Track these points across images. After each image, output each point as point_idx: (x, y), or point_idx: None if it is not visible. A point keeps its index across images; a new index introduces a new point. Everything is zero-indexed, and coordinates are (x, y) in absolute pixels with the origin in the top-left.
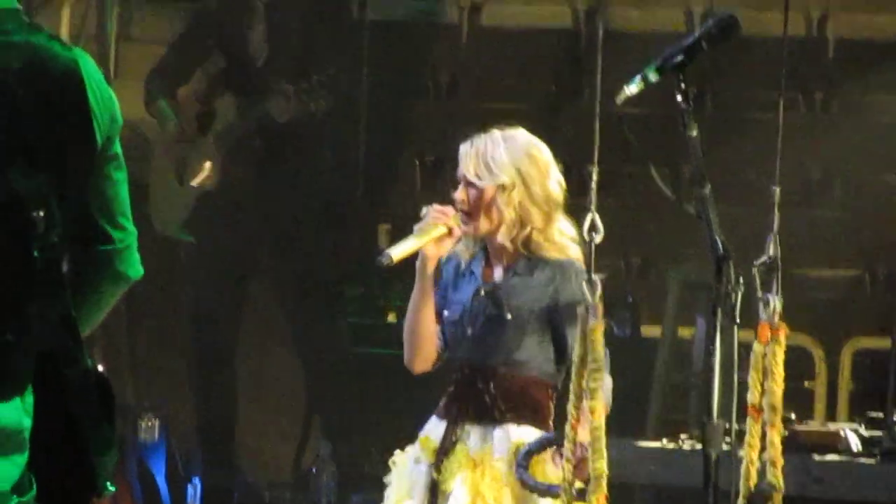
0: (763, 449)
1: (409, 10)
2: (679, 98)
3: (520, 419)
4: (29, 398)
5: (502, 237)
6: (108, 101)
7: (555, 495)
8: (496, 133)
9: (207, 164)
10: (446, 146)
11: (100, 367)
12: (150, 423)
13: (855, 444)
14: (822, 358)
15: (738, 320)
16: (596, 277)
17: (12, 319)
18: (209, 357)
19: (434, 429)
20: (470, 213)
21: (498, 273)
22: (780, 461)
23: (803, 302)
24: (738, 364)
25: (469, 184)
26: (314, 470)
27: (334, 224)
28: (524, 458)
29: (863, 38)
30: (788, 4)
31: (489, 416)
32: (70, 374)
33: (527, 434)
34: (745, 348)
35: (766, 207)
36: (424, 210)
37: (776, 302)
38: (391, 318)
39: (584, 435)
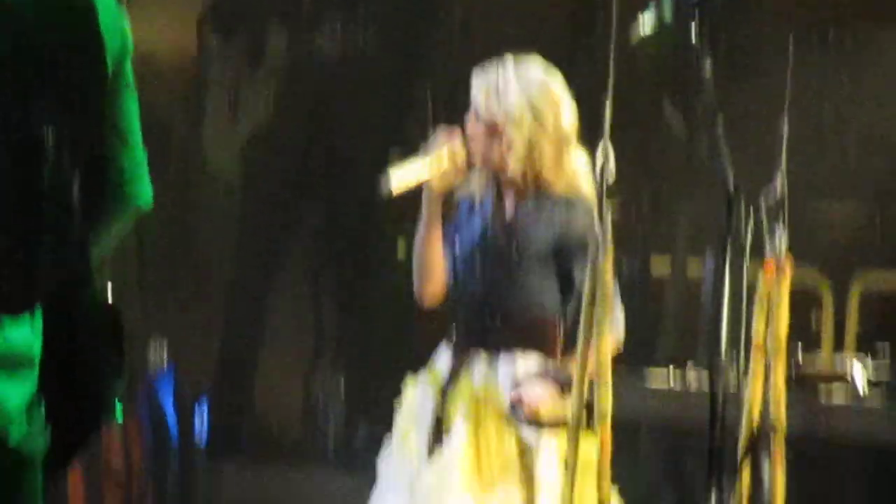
0: (767, 385)
1: None
2: (693, 36)
3: (526, 350)
4: (38, 321)
5: (512, 172)
6: (119, 25)
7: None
8: (509, 63)
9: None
10: (459, 75)
11: (109, 294)
12: (158, 351)
13: (861, 381)
14: (829, 293)
15: (746, 255)
16: (607, 212)
17: (23, 239)
18: (221, 285)
19: (442, 360)
20: (480, 147)
21: (509, 209)
22: (784, 398)
23: (812, 237)
24: (747, 300)
25: (479, 116)
26: (322, 399)
27: (351, 154)
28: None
29: None
30: None
31: (495, 350)
32: (80, 299)
33: (533, 365)
34: (755, 284)
35: (776, 143)
36: (435, 134)
37: (782, 238)
38: (401, 246)
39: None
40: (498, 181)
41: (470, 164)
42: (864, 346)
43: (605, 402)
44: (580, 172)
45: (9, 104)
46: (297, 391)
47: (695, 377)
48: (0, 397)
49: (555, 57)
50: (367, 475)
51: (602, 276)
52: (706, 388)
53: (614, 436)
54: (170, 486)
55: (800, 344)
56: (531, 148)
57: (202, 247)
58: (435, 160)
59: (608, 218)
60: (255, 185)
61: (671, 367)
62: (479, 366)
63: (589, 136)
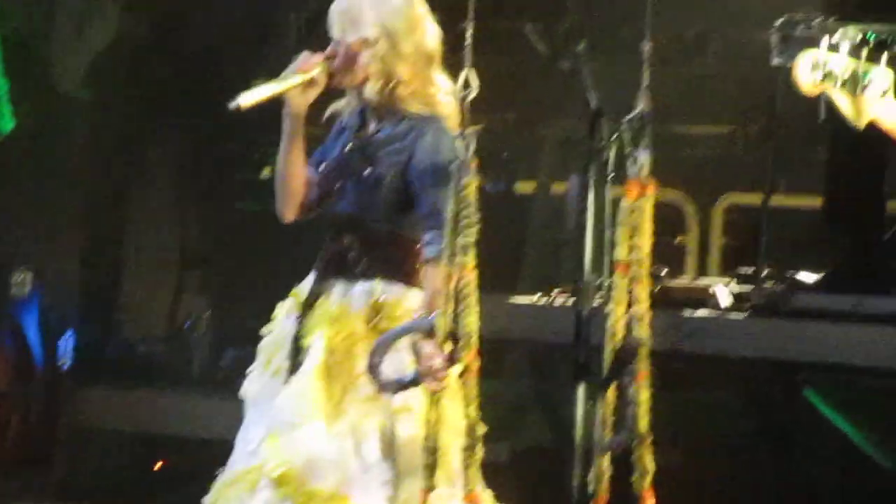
0: (630, 304)
1: None
2: None
3: (384, 274)
4: None
5: (368, 91)
6: None
7: (415, 383)
8: None
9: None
10: (323, 2)
11: None
12: (22, 277)
13: (725, 300)
14: (694, 214)
15: (609, 176)
16: (469, 133)
17: None
18: (84, 212)
19: (306, 283)
20: (337, 67)
21: (371, 128)
22: (647, 316)
23: (676, 158)
24: (610, 220)
25: (336, 39)
26: (188, 324)
27: (213, 82)
28: (379, 352)
29: None
30: None
31: (353, 271)
32: None
33: (390, 290)
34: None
35: (640, 63)
36: (297, 58)
37: (645, 158)
38: (267, 172)
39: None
40: (363, 103)
41: (335, 85)
42: (730, 266)
43: (471, 327)
44: (441, 93)
45: None
46: (163, 315)
47: (561, 300)
48: None
49: None
50: (232, 398)
51: (465, 198)
52: (571, 304)
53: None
54: (35, 411)
55: (665, 269)
56: (386, 69)
57: (63, 171)
58: (290, 78)
59: (471, 140)
60: (108, 104)
61: (537, 295)
62: (337, 290)
63: (452, 58)
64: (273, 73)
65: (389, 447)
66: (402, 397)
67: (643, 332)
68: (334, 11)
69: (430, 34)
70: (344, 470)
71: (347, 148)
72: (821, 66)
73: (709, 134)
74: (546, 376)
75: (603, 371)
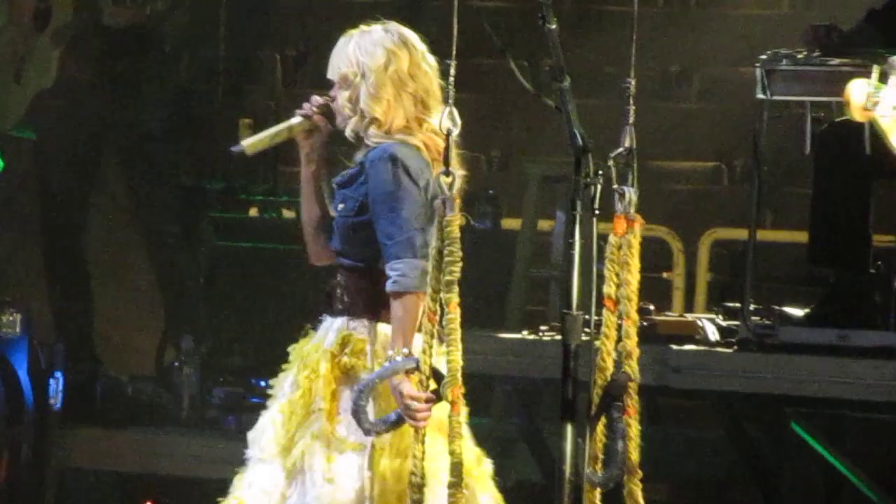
0: (619, 339)
1: None
2: None
3: (354, 310)
4: None
5: (347, 130)
6: None
7: (399, 423)
8: (357, 29)
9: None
10: (307, 40)
11: None
12: (11, 318)
13: (712, 334)
14: (680, 249)
15: (596, 212)
16: (453, 169)
17: None
18: (63, 251)
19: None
20: (329, 107)
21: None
22: (636, 351)
23: (662, 194)
24: (597, 256)
25: (329, 79)
26: (176, 364)
27: (195, 119)
28: (363, 395)
29: None
30: None
31: (335, 307)
32: None
33: (356, 326)
34: (606, 241)
35: (624, 100)
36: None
37: (632, 194)
38: (253, 212)
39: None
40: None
41: (336, 126)
42: (716, 301)
43: (455, 363)
44: (422, 131)
45: None
46: (151, 355)
47: (549, 336)
48: None
49: (402, 17)
50: (221, 438)
51: (449, 235)
52: (559, 340)
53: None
54: (24, 451)
55: (651, 307)
56: (356, 107)
57: (38, 213)
58: (285, 126)
59: (457, 176)
60: (51, 143)
61: (524, 332)
62: (322, 326)
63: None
64: (258, 111)
65: (332, 484)
66: (356, 435)
67: (633, 367)
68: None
69: (410, 70)
70: None
71: (332, 187)
72: (871, 95)
73: (694, 169)
74: (534, 412)
75: (591, 406)
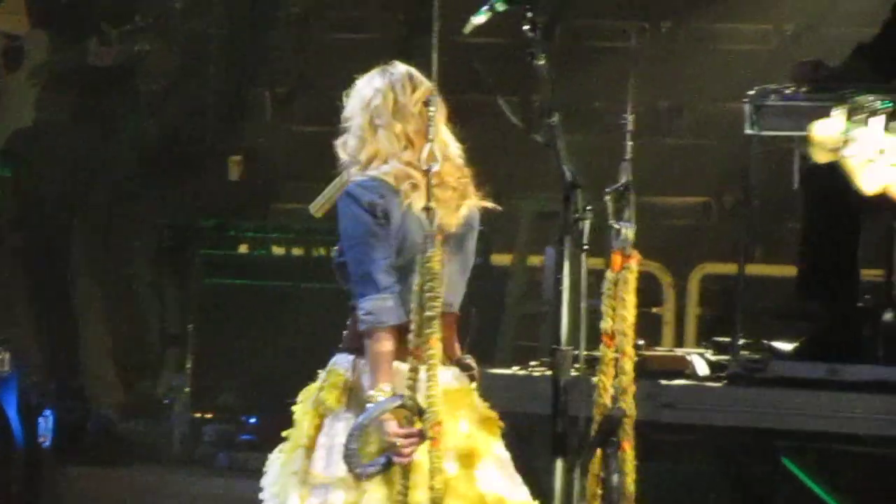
0: (615, 375)
1: None
2: (527, 27)
3: (345, 347)
4: None
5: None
6: None
7: (388, 465)
8: (370, 73)
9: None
10: (298, 77)
11: None
12: (1, 357)
13: (702, 369)
14: (670, 284)
15: (585, 248)
16: (432, 205)
17: None
18: (50, 289)
19: None
20: None
21: None
22: (632, 387)
23: (652, 229)
24: (587, 291)
25: None
26: (168, 401)
27: (185, 156)
28: (354, 439)
29: None
30: None
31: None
32: None
33: (339, 361)
34: (596, 276)
35: (616, 136)
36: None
37: (628, 229)
38: (243, 248)
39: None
40: None
41: None
42: (706, 335)
43: (434, 398)
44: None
45: None
46: (142, 392)
47: (539, 372)
48: None
49: (391, 54)
50: (211, 475)
51: (429, 270)
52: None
53: None
54: (15, 489)
55: (641, 341)
56: (346, 148)
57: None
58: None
59: (435, 213)
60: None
61: (514, 367)
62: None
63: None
64: (249, 148)
65: None
66: (330, 470)
67: (629, 403)
68: None
69: (395, 109)
70: None
71: None
72: (835, 135)
73: (683, 205)
74: (524, 448)
75: (588, 441)
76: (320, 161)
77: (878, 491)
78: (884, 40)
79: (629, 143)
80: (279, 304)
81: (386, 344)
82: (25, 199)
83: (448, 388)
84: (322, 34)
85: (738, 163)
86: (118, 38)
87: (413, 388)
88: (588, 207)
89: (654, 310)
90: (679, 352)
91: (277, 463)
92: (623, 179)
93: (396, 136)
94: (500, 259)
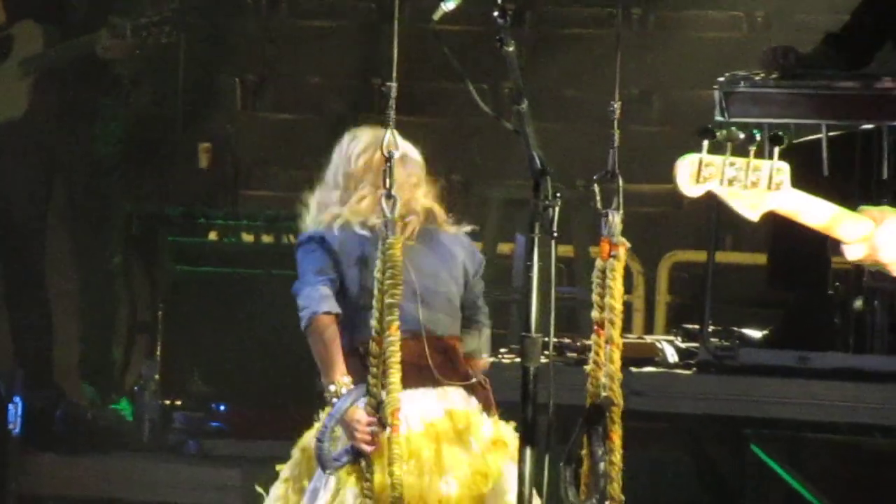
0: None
1: None
2: (496, 14)
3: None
4: None
5: None
6: None
7: (354, 454)
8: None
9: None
10: (266, 65)
11: None
12: None
13: (671, 357)
14: (639, 272)
15: (555, 235)
16: (394, 193)
17: None
18: (19, 277)
19: None
20: None
21: None
22: (619, 375)
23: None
24: (556, 279)
25: None
26: (137, 389)
27: (154, 144)
28: (323, 441)
29: None
30: None
31: None
32: None
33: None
34: (564, 263)
35: (586, 123)
36: None
37: (616, 217)
38: (213, 236)
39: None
40: None
41: None
42: (675, 323)
43: (394, 386)
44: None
45: None
46: (112, 380)
47: (508, 359)
48: None
49: (359, 41)
50: (182, 462)
51: (390, 257)
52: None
53: None
54: None
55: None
56: None
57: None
58: None
59: (396, 198)
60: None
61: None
62: None
63: (400, 118)
64: (217, 136)
65: None
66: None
67: (616, 391)
68: None
69: (350, 155)
70: None
71: None
72: (705, 168)
73: (653, 192)
74: None
75: (577, 429)
76: (290, 149)
77: (847, 479)
78: (853, 28)
79: (616, 132)
80: (249, 292)
81: (328, 332)
82: (2, 185)
83: (454, 409)
84: (292, 21)
85: (709, 150)
86: (133, 31)
87: (376, 377)
88: (557, 195)
89: (624, 297)
90: (649, 339)
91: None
92: (610, 165)
93: (339, 188)
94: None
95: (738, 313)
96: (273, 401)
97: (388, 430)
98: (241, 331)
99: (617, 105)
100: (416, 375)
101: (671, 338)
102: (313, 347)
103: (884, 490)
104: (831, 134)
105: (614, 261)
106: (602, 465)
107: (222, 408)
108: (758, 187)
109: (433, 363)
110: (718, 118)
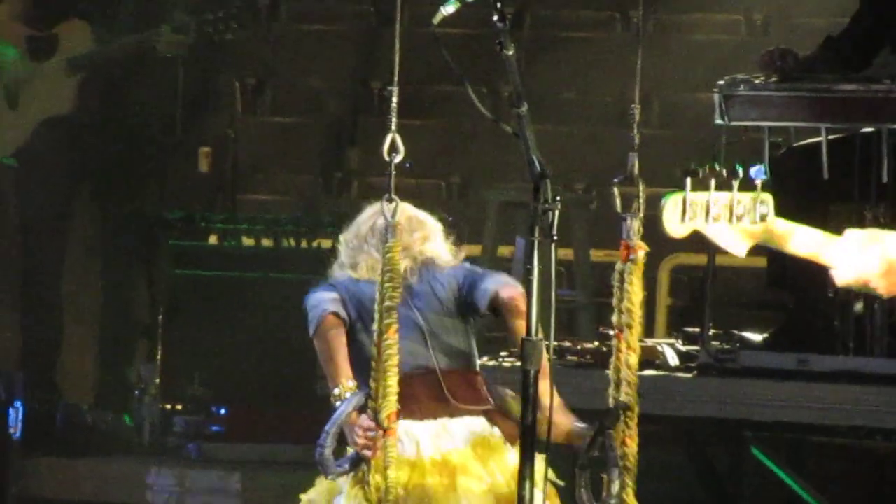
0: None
1: None
2: (495, 17)
3: None
4: None
5: None
6: None
7: (357, 460)
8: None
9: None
10: (266, 69)
11: None
12: None
13: (672, 359)
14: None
15: (554, 238)
16: (394, 196)
17: None
18: (35, 279)
19: None
20: None
21: None
22: (635, 379)
23: (618, 218)
24: (556, 281)
25: None
26: (137, 392)
27: (154, 147)
28: (325, 446)
29: None
30: None
31: None
32: None
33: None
34: (564, 266)
35: (585, 126)
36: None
37: (635, 220)
38: (213, 239)
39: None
40: None
41: None
42: (676, 326)
43: (391, 388)
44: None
45: None
46: (111, 384)
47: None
48: None
49: (360, 45)
50: (181, 466)
51: (390, 261)
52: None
53: None
54: None
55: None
56: None
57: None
58: None
59: (396, 201)
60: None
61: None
62: None
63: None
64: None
65: None
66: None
67: (631, 394)
68: None
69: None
70: None
71: None
72: (689, 208)
73: (653, 195)
74: None
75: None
76: (290, 152)
77: (847, 481)
78: (852, 31)
79: (637, 134)
80: (249, 295)
81: (334, 333)
82: (25, 188)
83: (475, 436)
84: (291, 25)
85: (708, 153)
86: (197, 28)
87: (376, 381)
88: (557, 197)
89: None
90: (649, 342)
91: None
92: (630, 168)
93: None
94: (469, 250)
95: (739, 316)
96: (273, 404)
97: (384, 433)
98: (241, 334)
99: (636, 108)
100: (434, 408)
101: (672, 341)
102: (319, 350)
103: (884, 492)
104: (831, 137)
105: (632, 265)
106: (614, 470)
107: (222, 411)
108: (742, 221)
109: (450, 393)
110: (718, 121)
